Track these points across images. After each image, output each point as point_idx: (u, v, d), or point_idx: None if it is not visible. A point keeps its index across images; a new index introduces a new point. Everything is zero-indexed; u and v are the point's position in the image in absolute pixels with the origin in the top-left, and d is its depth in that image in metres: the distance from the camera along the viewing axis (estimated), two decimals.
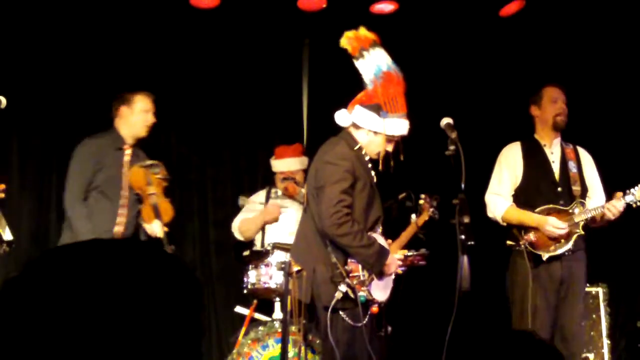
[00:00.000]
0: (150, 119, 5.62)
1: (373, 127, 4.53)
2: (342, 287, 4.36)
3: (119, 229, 5.45)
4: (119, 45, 6.47)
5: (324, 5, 6.53)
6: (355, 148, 4.55)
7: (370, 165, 4.62)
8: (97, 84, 5.89)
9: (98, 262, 1.13)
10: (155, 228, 5.47)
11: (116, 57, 6.46)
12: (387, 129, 4.52)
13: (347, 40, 4.54)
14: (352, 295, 4.36)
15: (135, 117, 5.59)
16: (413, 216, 5.11)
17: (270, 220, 6.10)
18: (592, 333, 6.11)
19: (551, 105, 5.52)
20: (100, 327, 1.07)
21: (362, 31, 4.56)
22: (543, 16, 6.84)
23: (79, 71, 6.25)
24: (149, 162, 5.51)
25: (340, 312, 4.40)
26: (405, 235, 5.04)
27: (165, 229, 5.47)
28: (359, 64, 4.54)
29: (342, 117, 4.62)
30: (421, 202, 5.13)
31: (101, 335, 1.07)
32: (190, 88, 6.79)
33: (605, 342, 6.19)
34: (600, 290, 6.23)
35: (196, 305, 1.17)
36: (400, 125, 4.55)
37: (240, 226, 6.20)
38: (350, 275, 4.38)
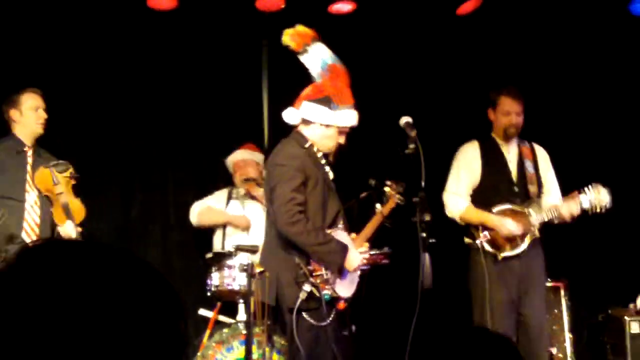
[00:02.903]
0: (42, 115, 5.49)
1: (325, 121, 4.55)
2: (307, 287, 4.37)
3: (28, 234, 5.32)
4: (75, 47, 6.41)
5: (283, 6, 6.52)
6: (306, 146, 4.57)
7: (324, 162, 4.64)
8: (51, 88, 5.81)
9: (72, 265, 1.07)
10: (68, 229, 5.36)
11: (72, 60, 6.40)
12: (339, 120, 4.56)
13: (289, 37, 4.56)
14: (317, 294, 4.37)
15: (26, 117, 5.47)
16: (378, 206, 5.02)
17: (237, 226, 6.08)
18: (554, 327, 6.16)
19: (503, 117, 5.55)
20: (73, 335, 1.02)
21: (300, 27, 4.58)
22: (500, 14, 6.88)
23: (35, 73, 6.17)
24: (54, 161, 5.43)
25: (304, 313, 4.40)
26: (370, 227, 4.97)
27: (79, 229, 5.40)
28: (304, 59, 4.57)
29: (290, 115, 4.63)
30: (387, 189, 5.08)
31: (72, 346, 1.02)
32: (150, 90, 6.74)
33: (568, 336, 6.24)
34: (561, 285, 6.29)
35: (175, 313, 1.12)
36: (350, 116, 4.60)
37: (200, 212, 6.18)
38: (314, 274, 4.39)
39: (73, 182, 5.46)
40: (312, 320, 4.41)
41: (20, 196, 5.36)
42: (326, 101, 4.54)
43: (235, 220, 6.11)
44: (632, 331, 6.19)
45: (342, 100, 4.55)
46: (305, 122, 4.60)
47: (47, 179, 5.37)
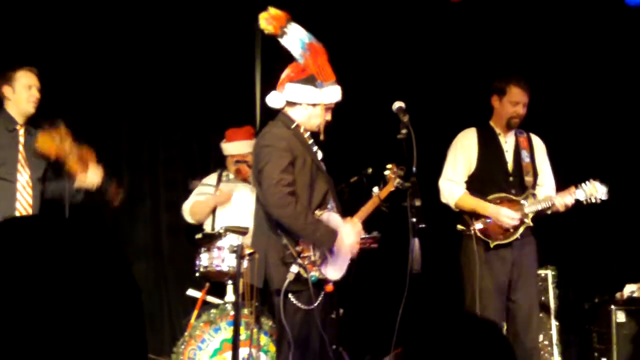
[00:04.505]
0: (34, 94, 5.40)
1: (311, 100, 4.55)
2: (294, 268, 4.37)
3: (22, 213, 5.26)
4: (65, 24, 6.37)
5: None
6: (293, 126, 4.56)
7: (311, 141, 4.64)
8: (38, 65, 5.77)
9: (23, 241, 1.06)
10: (93, 176, 5.37)
11: (62, 37, 6.36)
12: (325, 98, 4.56)
13: (266, 22, 4.52)
14: (304, 275, 4.37)
15: (18, 94, 5.38)
16: (375, 189, 4.92)
17: (222, 204, 6.08)
18: (540, 315, 6.19)
19: (511, 107, 5.52)
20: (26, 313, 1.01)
21: (273, 10, 4.55)
22: (493, 1, 6.88)
23: (22, 50, 6.14)
24: (46, 124, 5.37)
25: (292, 295, 4.41)
26: (365, 210, 4.86)
27: (100, 170, 5.42)
28: (284, 42, 4.55)
29: (274, 98, 4.63)
30: (387, 172, 4.93)
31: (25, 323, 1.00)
32: (142, 70, 6.71)
33: (554, 323, 6.27)
34: (548, 273, 6.31)
35: (129, 281, 1.10)
36: (335, 92, 4.61)
37: (191, 209, 6.17)
38: (302, 255, 4.39)
39: (69, 136, 5.44)
40: (299, 303, 4.42)
41: (12, 176, 5.29)
42: (311, 80, 4.53)
43: (220, 198, 6.09)
44: (618, 320, 6.23)
45: (326, 77, 4.56)
46: (291, 103, 4.60)
47: (50, 140, 5.35)
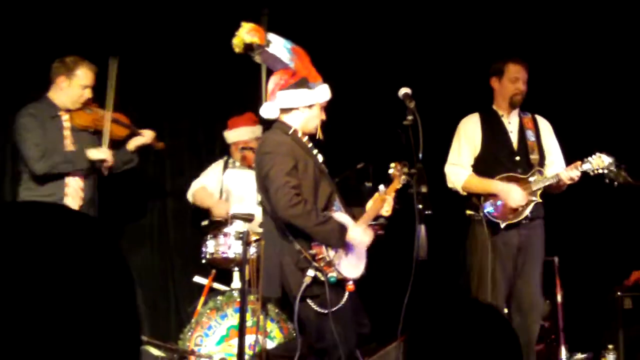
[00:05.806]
0: (87, 95, 5.41)
1: (307, 102, 4.59)
2: (311, 272, 4.34)
3: (71, 200, 5.32)
4: (76, 10, 6.37)
5: None
6: (290, 132, 4.56)
7: (310, 145, 4.64)
8: (46, 50, 5.77)
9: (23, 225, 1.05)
10: (148, 133, 5.68)
11: (72, 22, 6.36)
12: (319, 97, 4.61)
13: (250, 36, 4.54)
14: (322, 278, 4.35)
15: (72, 90, 5.37)
16: (381, 187, 4.79)
17: (217, 214, 6.06)
18: (546, 302, 6.19)
19: (511, 84, 5.54)
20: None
21: (247, 24, 4.57)
22: None
23: (30, 35, 6.15)
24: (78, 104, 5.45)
25: (312, 300, 4.38)
26: (372, 209, 4.73)
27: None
28: (271, 50, 4.56)
29: (268, 109, 4.64)
30: (391, 171, 4.85)
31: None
32: (149, 58, 6.70)
33: (560, 310, 6.27)
34: (554, 259, 6.31)
35: (122, 269, 1.09)
36: (326, 90, 4.66)
37: (195, 194, 6.21)
38: (317, 258, 4.37)
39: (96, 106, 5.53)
40: (320, 307, 4.38)
41: None
42: (303, 83, 4.57)
43: (217, 208, 6.09)
44: (625, 307, 6.23)
45: (315, 77, 4.62)
46: (286, 110, 4.61)
47: (84, 114, 5.43)
